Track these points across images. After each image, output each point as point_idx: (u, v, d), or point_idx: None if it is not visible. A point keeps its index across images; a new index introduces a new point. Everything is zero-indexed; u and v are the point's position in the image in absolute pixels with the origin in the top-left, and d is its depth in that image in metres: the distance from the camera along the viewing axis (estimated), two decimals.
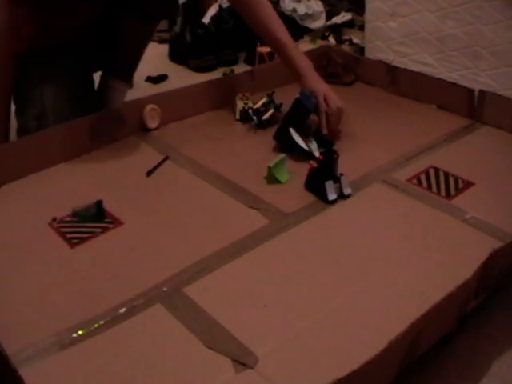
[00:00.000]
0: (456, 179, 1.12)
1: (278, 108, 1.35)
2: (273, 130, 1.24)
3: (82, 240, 0.95)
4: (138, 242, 0.95)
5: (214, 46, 2.10)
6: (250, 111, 1.33)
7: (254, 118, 1.32)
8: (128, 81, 1.57)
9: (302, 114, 1.20)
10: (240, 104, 1.36)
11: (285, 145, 1.20)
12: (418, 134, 1.30)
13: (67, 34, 1.35)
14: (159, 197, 1.08)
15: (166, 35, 2.39)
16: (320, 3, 2.33)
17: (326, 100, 1.25)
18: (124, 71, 1.56)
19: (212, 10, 2.35)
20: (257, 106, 1.34)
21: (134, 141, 1.28)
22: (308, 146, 1.18)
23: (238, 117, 1.37)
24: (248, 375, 0.70)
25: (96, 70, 1.54)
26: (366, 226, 0.99)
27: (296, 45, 1.35)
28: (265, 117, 1.33)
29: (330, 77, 1.60)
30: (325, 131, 1.23)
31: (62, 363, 0.72)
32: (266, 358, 0.72)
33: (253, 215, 1.01)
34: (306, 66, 1.30)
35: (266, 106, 1.35)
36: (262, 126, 1.32)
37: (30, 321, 0.79)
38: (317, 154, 1.13)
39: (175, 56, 2.20)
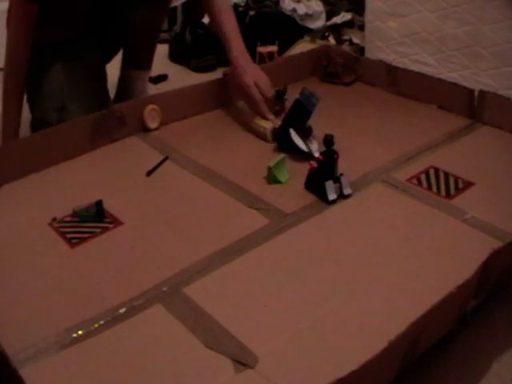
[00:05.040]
0: (456, 179, 1.12)
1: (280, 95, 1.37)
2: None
3: (82, 240, 0.95)
4: (138, 242, 0.95)
5: (214, 46, 2.10)
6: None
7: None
8: (148, 67, 1.59)
9: (303, 114, 1.20)
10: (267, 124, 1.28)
11: (284, 145, 1.20)
12: (417, 133, 1.30)
13: (71, 24, 1.36)
14: (159, 197, 1.08)
15: (166, 35, 2.39)
16: (320, 3, 2.32)
17: (258, 86, 1.27)
18: (142, 60, 1.59)
19: None
20: None
21: (134, 141, 1.28)
22: (308, 147, 1.18)
23: (270, 138, 1.27)
24: (248, 375, 0.70)
25: (109, 61, 1.55)
26: (366, 226, 0.99)
27: (235, 28, 1.35)
28: None
29: (330, 77, 1.60)
30: (268, 116, 1.27)
31: (62, 363, 0.72)
32: (266, 357, 0.72)
33: (253, 215, 1.01)
34: (239, 49, 1.32)
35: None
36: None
37: (30, 321, 0.79)
38: (317, 154, 1.13)
39: (175, 56, 2.20)
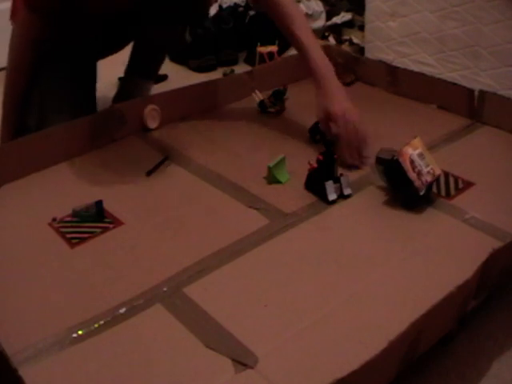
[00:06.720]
0: (456, 179, 1.11)
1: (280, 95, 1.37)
2: (275, 126, 1.24)
3: (82, 240, 0.95)
4: (138, 242, 0.95)
5: (213, 45, 2.10)
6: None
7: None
8: (153, 78, 1.58)
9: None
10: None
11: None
12: (418, 134, 1.30)
13: (78, 37, 1.34)
14: (159, 197, 1.08)
15: None
16: (320, 3, 2.32)
17: (344, 123, 1.12)
18: (150, 71, 1.58)
19: (212, 10, 2.35)
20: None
21: (134, 141, 1.28)
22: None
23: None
24: (248, 375, 0.70)
25: (103, 58, 1.52)
26: (366, 226, 0.99)
27: (314, 44, 1.21)
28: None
29: None
30: (350, 161, 1.14)
31: (62, 363, 0.72)
32: (266, 357, 0.72)
33: (253, 215, 1.01)
34: (323, 71, 1.15)
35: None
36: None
37: (30, 321, 0.79)
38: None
39: (175, 56, 2.19)
